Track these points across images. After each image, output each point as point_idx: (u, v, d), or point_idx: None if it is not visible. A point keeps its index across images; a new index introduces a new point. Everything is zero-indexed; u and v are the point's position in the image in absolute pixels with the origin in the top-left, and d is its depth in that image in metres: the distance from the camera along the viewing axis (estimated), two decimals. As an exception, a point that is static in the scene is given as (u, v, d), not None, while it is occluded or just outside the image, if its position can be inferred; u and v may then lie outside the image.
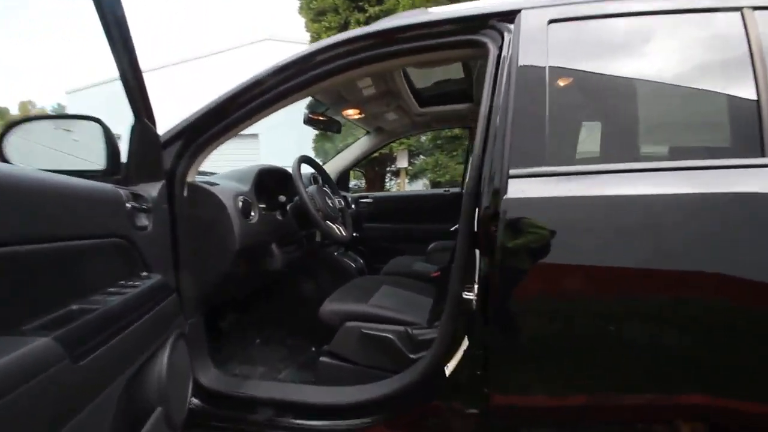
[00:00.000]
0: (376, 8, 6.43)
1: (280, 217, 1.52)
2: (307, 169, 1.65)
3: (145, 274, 0.86)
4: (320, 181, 1.76)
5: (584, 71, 0.91)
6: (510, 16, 0.94)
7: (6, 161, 0.87)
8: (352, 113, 2.03)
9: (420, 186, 7.36)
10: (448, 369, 0.95)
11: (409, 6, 5.22)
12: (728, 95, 0.86)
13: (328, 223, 1.53)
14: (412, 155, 7.01)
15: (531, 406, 0.89)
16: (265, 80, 1.10)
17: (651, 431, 0.85)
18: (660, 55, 0.89)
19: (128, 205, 0.83)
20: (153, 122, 0.96)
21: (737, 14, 0.84)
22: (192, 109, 1.13)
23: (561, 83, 0.90)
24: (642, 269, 0.77)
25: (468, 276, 0.91)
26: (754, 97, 0.80)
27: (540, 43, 0.90)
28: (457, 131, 6.04)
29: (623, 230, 0.79)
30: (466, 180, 0.94)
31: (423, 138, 6.83)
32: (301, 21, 7.40)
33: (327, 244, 1.94)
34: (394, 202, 2.71)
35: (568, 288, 0.81)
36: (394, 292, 1.46)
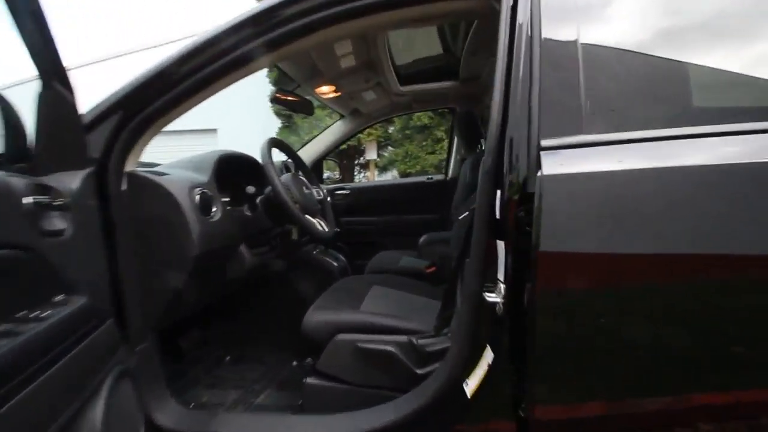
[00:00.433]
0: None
1: (248, 213, 1.34)
2: (277, 156, 1.42)
3: (60, 297, 0.62)
4: (293, 169, 1.53)
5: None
6: None
7: None
8: (326, 91, 1.85)
9: (389, 177, 7.23)
10: (469, 387, 0.78)
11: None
12: None
13: (308, 217, 1.32)
14: (380, 146, 6.86)
15: (583, 419, 0.72)
16: (222, 39, 0.88)
17: None
18: None
19: (27, 200, 0.59)
20: (69, 88, 0.72)
21: None
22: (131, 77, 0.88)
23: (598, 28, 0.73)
24: (736, 255, 0.62)
25: (487, 273, 0.75)
26: None
27: None
28: (425, 120, 5.94)
29: (703, 208, 0.62)
30: (484, 157, 0.76)
31: (391, 128, 6.69)
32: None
33: (305, 242, 1.71)
34: (373, 192, 2.59)
35: (635, 282, 0.65)
36: (386, 294, 1.30)
